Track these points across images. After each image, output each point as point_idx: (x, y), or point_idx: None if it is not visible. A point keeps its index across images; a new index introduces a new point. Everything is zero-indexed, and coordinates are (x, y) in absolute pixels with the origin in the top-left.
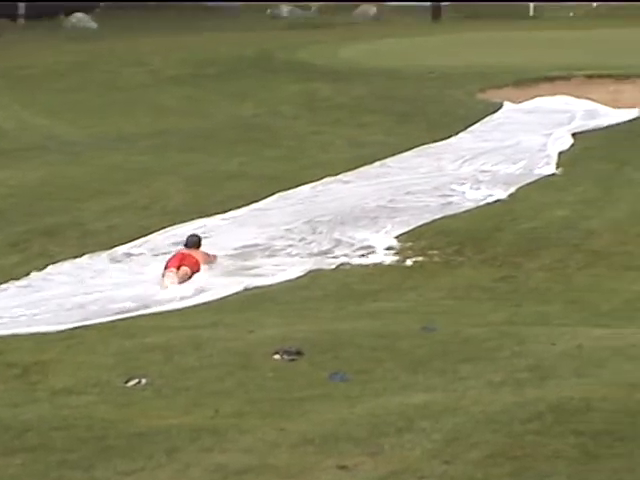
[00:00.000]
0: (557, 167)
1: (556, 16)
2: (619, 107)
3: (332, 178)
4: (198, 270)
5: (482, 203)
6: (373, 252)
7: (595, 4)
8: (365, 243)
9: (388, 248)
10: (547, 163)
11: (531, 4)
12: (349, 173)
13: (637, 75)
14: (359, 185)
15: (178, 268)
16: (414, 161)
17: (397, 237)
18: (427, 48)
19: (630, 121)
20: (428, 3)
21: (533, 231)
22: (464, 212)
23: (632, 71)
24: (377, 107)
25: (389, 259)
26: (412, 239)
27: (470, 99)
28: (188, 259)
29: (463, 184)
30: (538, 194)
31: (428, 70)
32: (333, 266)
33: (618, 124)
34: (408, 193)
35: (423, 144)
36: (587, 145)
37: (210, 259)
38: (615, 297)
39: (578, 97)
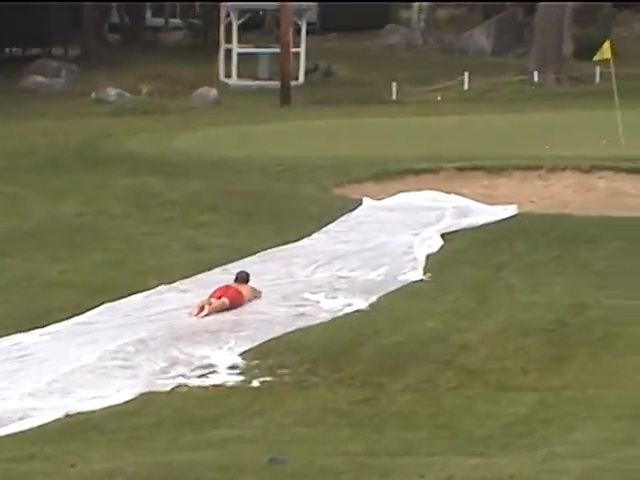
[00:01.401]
0: (425, 272)
1: (422, 100)
2: (494, 203)
3: (167, 286)
4: (240, 302)
5: (339, 314)
6: (214, 372)
7: (466, 86)
8: (205, 361)
9: (231, 367)
10: (413, 268)
11: (394, 87)
12: (186, 280)
13: (514, 167)
14: (197, 294)
15: (219, 298)
16: (260, 266)
17: (242, 354)
18: (275, 136)
19: (507, 219)
20: (276, 85)
21: (397, 346)
22: (318, 325)
23: (508, 163)
24: (217, 204)
25: (233, 379)
26: (259, 356)
27: (324, 195)
28: (231, 291)
29: (317, 292)
30: (403, 303)
31: (276, 162)
32: (168, 388)
33: (493, 223)
34: (254, 303)
35: (271, 247)
36: (459, 247)
37: (256, 294)
38: (490, 421)
39: (448, 192)
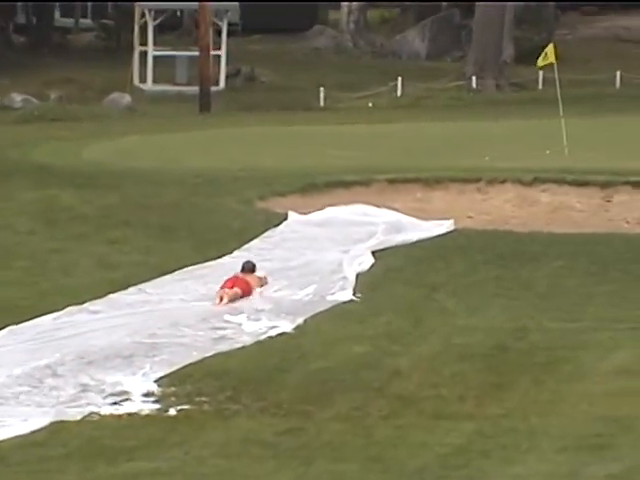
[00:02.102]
0: (355, 293)
1: (352, 107)
2: (429, 218)
3: (77, 307)
4: (250, 292)
5: (263, 337)
6: (128, 399)
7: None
8: (118, 388)
9: (147, 394)
10: (342, 288)
11: (321, 93)
12: (98, 301)
13: (450, 179)
14: (110, 316)
15: (231, 288)
16: (178, 286)
17: (158, 380)
18: (194, 146)
19: (442, 236)
20: (195, 91)
21: (326, 372)
22: (240, 349)
23: (443, 175)
24: (131, 219)
25: (148, 408)
26: (176, 383)
27: (247, 209)
28: (240, 282)
29: (239, 314)
30: (332, 326)
31: (195, 173)
32: (78, 417)
33: (428, 239)
34: (171, 326)
35: (189, 265)
36: (391, 266)
37: (263, 282)
38: (425, 452)
39: (379, 206)
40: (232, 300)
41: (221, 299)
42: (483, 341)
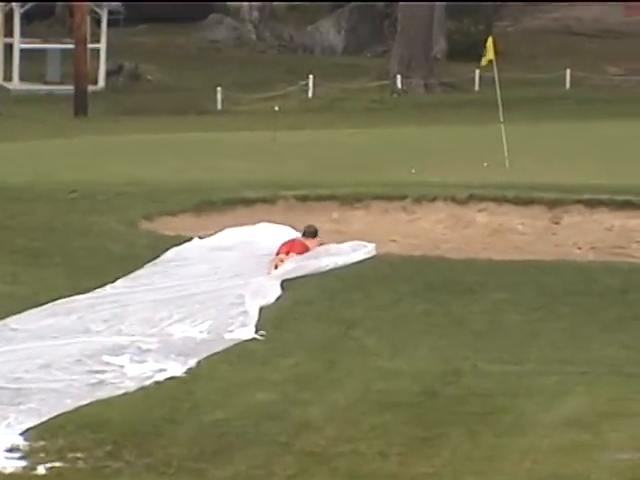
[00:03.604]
0: (258, 330)
1: (255, 110)
2: (346, 241)
3: None
4: None
5: (148, 382)
6: None
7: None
8: None
9: (11, 449)
10: (243, 324)
11: (219, 94)
12: None
13: (371, 197)
14: None
15: (287, 254)
16: (49, 321)
17: (24, 433)
18: (68, 155)
19: (362, 262)
20: (70, 90)
21: (223, 424)
22: (122, 396)
23: (363, 191)
24: None
25: (12, 465)
26: (46, 436)
27: (130, 230)
28: (296, 245)
29: (121, 354)
30: (230, 369)
31: (68, 188)
32: None
33: (345, 267)
34: (41, 368)
35: (62, 296)
36: (301, 298)
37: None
38: None
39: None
40: None
41: (276, 267)
42: (409, 387)
